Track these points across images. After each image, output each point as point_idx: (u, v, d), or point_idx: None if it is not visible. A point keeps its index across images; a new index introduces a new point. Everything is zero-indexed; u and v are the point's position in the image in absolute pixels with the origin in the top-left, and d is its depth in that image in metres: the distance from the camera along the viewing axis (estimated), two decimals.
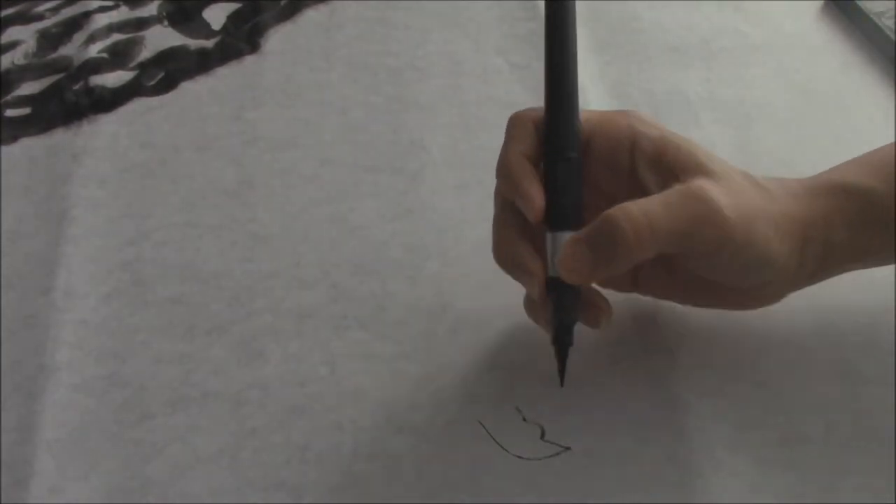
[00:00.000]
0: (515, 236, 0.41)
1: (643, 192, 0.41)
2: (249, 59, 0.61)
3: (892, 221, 0.41)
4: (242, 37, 0.62)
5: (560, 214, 0.40)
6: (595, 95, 0.56)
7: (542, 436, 0.42)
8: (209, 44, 0.62)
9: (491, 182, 0.43)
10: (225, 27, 0.63)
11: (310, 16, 0.64)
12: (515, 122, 0.42)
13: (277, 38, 0.63)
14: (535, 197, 0.40)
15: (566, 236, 0.40)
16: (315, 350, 0.46)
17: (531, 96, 0.58)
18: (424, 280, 0.48)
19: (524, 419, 0.43)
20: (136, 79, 0.60)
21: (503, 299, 0.45)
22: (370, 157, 0.55)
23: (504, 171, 0.41)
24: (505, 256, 0.42)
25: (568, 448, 0.42)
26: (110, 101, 0.58)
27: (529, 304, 0.43)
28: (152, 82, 0.59)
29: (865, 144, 0.47)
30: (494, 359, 0.45)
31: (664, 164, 0.40)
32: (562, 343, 0.42)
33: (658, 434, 0.42)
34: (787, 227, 0.40)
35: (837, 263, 0.42)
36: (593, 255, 0.39)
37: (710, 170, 0.40)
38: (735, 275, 0.41)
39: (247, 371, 0.45)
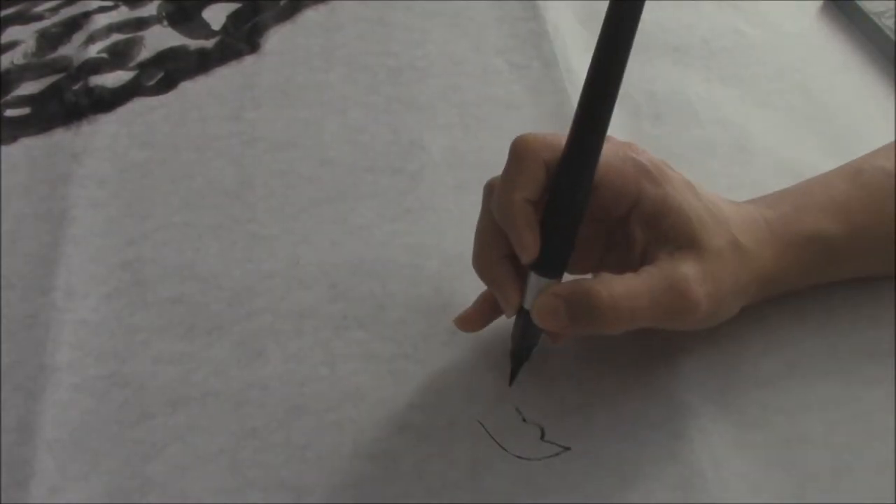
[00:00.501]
0: (497, 257, 0.42)
1: (627, 239, 0.42)
2: (249, 60, 0.61)
3: (846, 263, 0.45)
4: (242, 37, 0.62)
5: (550, 264, 0.41)
6: None
7: (542, 436, 0.42)
8: (209, 44, 0.62)
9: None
10: (224, 27, 0.63)
11: (309, 16, 0.64)
12: (524, 158, 0.40)
13: (277, 39, 0.63)
14: (531, 248, 0.40)
15: (548, 281, 0.41)
16: (315, 350, 0.46)
17: (530, 96, 0.58)
18: (424, 280, 0.48)
19: (524, 419, 0.43)
20: (135, 79, 0.59)
21: None
22: (370, 157, 0.55)
23: (505, 214, 0.40)
24: (484, 272, 0.43)
25: (568, 448, 0.42)
26: (110, 101, 0.58)
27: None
28: (152, 82, 0.59)
29: (864, 144, 0.47)
30: (494, 359, 0.45)
31: (658, 229, 0.41)
32: (519, 360, 0.43)
33: (658, 435, 0.42)
34: (753, 292, 0.43)
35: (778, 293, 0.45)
36: (570, 318, 0.40)
37: (700, 244, 0.41)
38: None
39: (247, 371, 0.45)
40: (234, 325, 0.47)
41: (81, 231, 0.51)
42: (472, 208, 0.51)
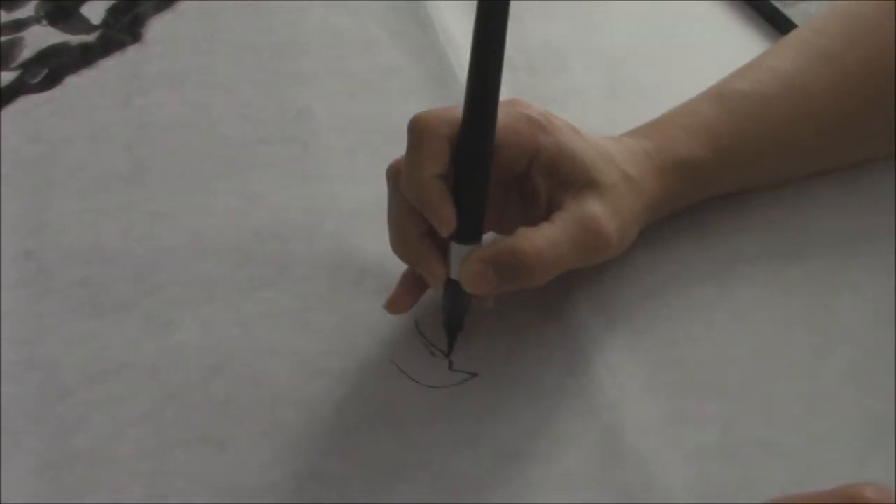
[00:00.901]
0: (416, 237, 0.43)
1: (532, 192, 0.44)
2: (132, 50, 0.62)
3: (713, 181, 0.48)
4: (123, 29, 0.63)
5: (468, 231, 0.42)
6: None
7: (450, 366, 0.45)
8: (91, 38, 0.62)
9: (378, 143, 0.44)
10: (105, 21, 0.63)
11: (188, 4, 0.65)
12: (426, 138, 0.41)
13: (159, 28, 0.64)
14: (450, 219, 0.41)
15: (469, 248, 0.42)
16: (227, 313, 0.47)
17: (411, 60, 0.60)
18: (324, 238, 0.50)
19: (432, 353, 0.45)
20: (19, 78, 0.60)
21: None
22: (261, 129, 0.56)
23: (418, 193, 0.41)
24: (406, 253, 0.44)
25: (475, 374, 0.44)
26: None
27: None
28: (37, 80, 0.60)
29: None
30: None
31: (558, 176, 0.43)
32: (454, 331, 0.45)
33: (557, 352, 0.45)
34: (645, 219, 0.46)
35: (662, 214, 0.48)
36: (498, 277, 0.42)
37: (598, 183, 0.43)
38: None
39: (160, 340, 0.46)
40: (142, 300, 0.48)
41: None
42: (363, 168, 0.54)
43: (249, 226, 0.51)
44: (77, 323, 0.47)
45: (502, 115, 0.42)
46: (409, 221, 0.43)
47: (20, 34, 0.63)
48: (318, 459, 0.42)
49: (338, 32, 0.63)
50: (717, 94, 0.49)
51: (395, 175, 0.43)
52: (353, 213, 0.51)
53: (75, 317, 0.48)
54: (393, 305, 0.45)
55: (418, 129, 0.41)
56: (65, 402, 0.44)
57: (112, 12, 0.64)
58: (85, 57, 0.61)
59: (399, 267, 0.45)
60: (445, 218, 0.41)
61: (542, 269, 0.42)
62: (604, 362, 0.44)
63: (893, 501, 0.33)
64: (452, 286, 0.43)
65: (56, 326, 0.47)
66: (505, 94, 0.49)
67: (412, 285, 0.45)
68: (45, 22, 0.64)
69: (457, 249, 0.42)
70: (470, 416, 0.43)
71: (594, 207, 0.43)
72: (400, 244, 0.44)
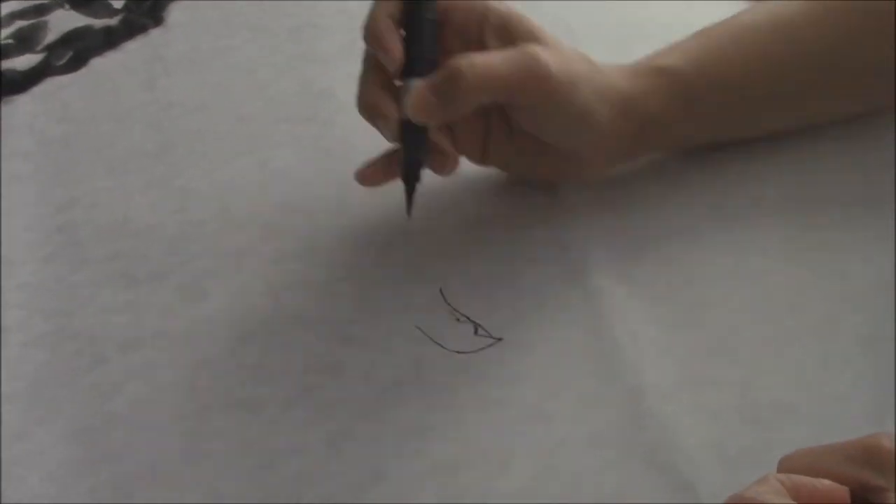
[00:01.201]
0: (377, 88, 0.46)
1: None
2: (155, 33, 0.63)
3: (693, 98, 0.49)
4: (145, 12, 0.64)
5: (413, 64, 0.45)
6: None
7: (476, 332, 0.46)
8: (113, 21, 0.64)
9: None
10: (126, 5, 0.65)
11: None
12: None
13: (179, 12, 0.65)
14: (394, 50, 0.45)
15: (419, 84, 0.45)
16: (255, 283, 0.49)
17: None
18: (350, 210, 0.52)
19: (458, 319, 0.47)
20: (45, 60, 0.61)
21: (425, 221, 0.49)
22: (282, 109, 0.58)
23: (370, 29, 0.45)
24: (366, 104, 0.46)
25: (500, 339, 0.46)
26: (21, 82, 0.59)
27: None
28: (62, 62, 0.61)
29: None
30: (425, 272, 0.48)
31: (508, 34, 0.46)
32: (410, 180, 0.46)
33: (579, 317, 0.46)
34: (608, 95, 0.47)
35: (651, 141, 0.50)
36: (438, 97, 0.44)
37: (545, 39, 0.46)
38: (560, 132, 0.47)
39: (193, 309, 0.48)
40: (174, 271, 0.49)
41: (12, 203, 0.53)
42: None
43: (276, 200, 0.52)
44: (111, 294, 0.48)
45: None
46: (370, 73, 0.46)
47: (44, 18, 0.64)
48: (349, 422, 0.43)
49: (352, 15, 0.64)
50: (701, 30, 0.51)
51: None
52: (379, 187, 0.52)
53: (108, 288, 0.49)
54: (363, 176, 0.48)
55: None
56: (100, 369, 0.46)
57: None
58: (109, 39, 0.62)
59: (428, 237, 0.47)
60: (390, 49, 0.44)
61: (475, 80, 0.44)
62: (624, 327, 0.45)
63: None
64: (408, 131, 0.45)
65: (90, 298, 0.48)
66: None
67: (384, 160, 0.48)
68: (67, 6, 0.65)
69: (405, 92, 0.45)
70: (496, 379, 0.44)
71: (536, 46, 0.45)
72: (362, 95, 0.47)
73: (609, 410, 0.43)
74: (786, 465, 0.36)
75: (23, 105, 0.58)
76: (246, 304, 0.48)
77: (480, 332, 0.46)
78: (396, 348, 0.46)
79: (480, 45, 0.46)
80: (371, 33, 0.45)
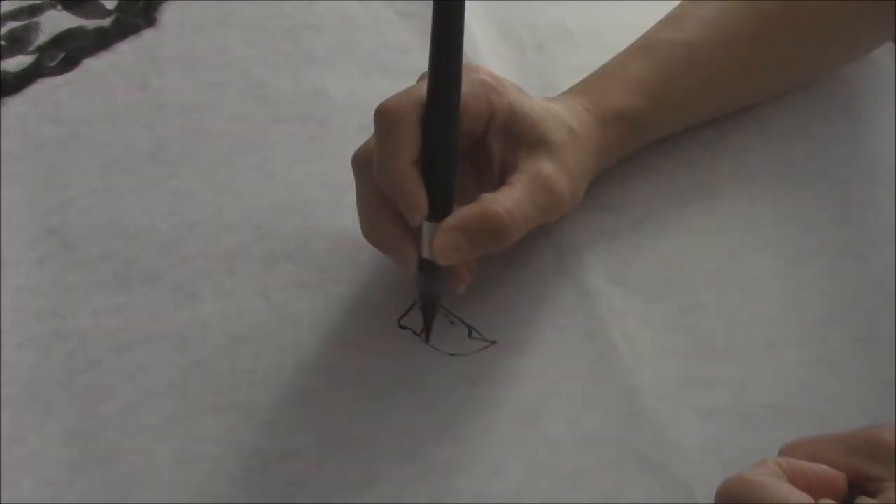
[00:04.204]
0: (387, 220, 0.44)
1: (485, 158, 0.45)
2: (148, 33, 0.63)
3: (650, 131, 0.51)
4: (138, 13, 0.64)
5: (439, 209, 0.42)
6: (483, 33, 0.60)
7: (470, 334, 0.46)
8: (106, 22, 0.63)
9: None
10: (119, 6, 0.64)
11: None
12: (398, 123, 0.42)
13: (173, 12, 0.64)
14: (423, 206, 0.42)
15: (448, 226, 0.42)
16: (249, 285, 0.48)
17: (422, 40, 0.61)
18: (343, 212, 0.51)
19: (452, 322, 0.46)
20: (37, 61, 0.61)
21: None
22: (277, 109, 0.57)
23: (394, 181, 0.42)
24: (377, 239, 0.45)
25: (494, 342, 0.46)
26: (14, 84, 0.59)
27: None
28: (54, 63, 0.60)
29: None
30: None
31: (511, 136, 0.45)
32: (430, 313, 0.45)
33: (574, 319, 0.46)
34: (591, 171, 0.48)
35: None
36: (470, 243, 0.42)
37: (548, 141, 0.45)
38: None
39: (186, 311, 0.47)
40: (167, 273, 0.49)
41: (3, 205, 0.52)
42: None
43: (269, 202, 0.52)
44: (104, 296, 0.48)
45: (466, 89, 0.43)
46: (379, 207, 0.44)
47: (36, 19, 0.64)
48: (343, 425, 0.43)
49: (348, 15, 0.64)
50: (645, 47, 0.51)
51: (363, 162, 0.44)
52: None
53: (101, 290, 0.49)
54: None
55: (390, 116, 0.42)
56: (93, 371, 0.45)
57: None
58: (101, 40, 0.62)
59: None
60: (418, 204, 0.42)
61: (514, 228, 0.43)
62: (620, 328, 0.45)
63: None
64: (425, 266, 0.43)
65: (83, 299, 0.48)
66: (514, 73, 0.51)
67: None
68: (59, 7, 0.65)
69: (428, 228, 0.43)
70: (490, 382, 0.44)
71: (546, 166, 0.44)
72: (371, 230, 0.45)
73: (604, 411, 0.43)
74: (786, 453, 0.36)
75: (14, 106, 0.58)
76: (239, 306, 0.47)
77: (475, 335, 0.46)
78: (390, 351, 0.45)
79: (479, 145, 0.45)
80: (396, 187, 0.42)
